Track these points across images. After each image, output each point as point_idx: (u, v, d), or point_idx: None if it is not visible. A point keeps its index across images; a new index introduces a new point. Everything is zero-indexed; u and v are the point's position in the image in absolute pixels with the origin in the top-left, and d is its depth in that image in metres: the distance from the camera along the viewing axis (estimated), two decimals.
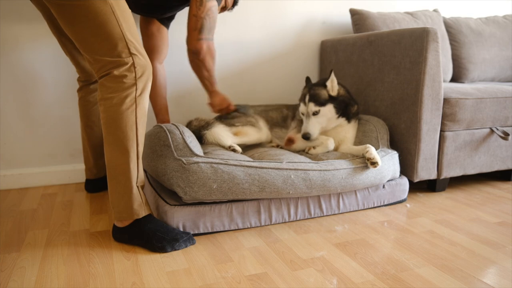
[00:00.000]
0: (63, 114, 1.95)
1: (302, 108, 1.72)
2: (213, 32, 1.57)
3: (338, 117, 1.71)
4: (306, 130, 1.67)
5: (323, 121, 1.69)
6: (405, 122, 1.74)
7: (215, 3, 1.54)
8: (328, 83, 1.71)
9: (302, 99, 1.73)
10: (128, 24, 1.20)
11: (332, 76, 1.69)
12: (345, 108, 1.71)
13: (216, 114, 1.99)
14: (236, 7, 1.83)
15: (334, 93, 1.71)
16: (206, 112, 2.15)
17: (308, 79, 1.86)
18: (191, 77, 2.13)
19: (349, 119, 1.74)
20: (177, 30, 2.02)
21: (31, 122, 1.91)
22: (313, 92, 1.70)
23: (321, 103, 1.67)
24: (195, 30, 1.53)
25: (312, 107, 1.67)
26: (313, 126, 1.68)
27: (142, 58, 1.23)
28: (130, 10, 1.24)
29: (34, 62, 1.87)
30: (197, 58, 1.58)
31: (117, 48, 1.18)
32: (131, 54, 1.20)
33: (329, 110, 1.69)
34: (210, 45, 1.58)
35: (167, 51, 1.84)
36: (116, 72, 1.19)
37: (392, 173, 1.64)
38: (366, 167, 1.54)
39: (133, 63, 1.21)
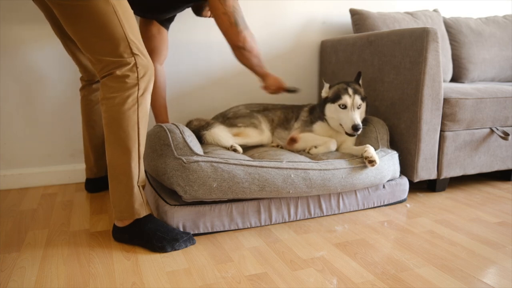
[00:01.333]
0: (63, 114, 1.95)
1: (346, 99, 1.63)
2: (245, 20, 1.55)
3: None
4: (356, 121, 1.59)
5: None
6: (405, 122, 1.74)
7: None
8: (360, 83, 1.72)
9: (343, 92, 1.65)
10: (130, 24, 1.20)
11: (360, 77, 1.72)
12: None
13: (216, 114, 1.99)
14: None
15: (363, 93, 1.72)
16: (205, 113, 2.16)
17: (325, 80, 1.84)
18: (190, 77, 2.13)
19: None
20: (177, 31, 2.02)
21: (31, 122, 1.91)
22: (353, 87, 1.67)
23: (362, 98, 1.67)
24: (232, 26, 1.51)
25: (358, 99, 1.64)
26: (359, 118, 1.64)
27: (144, 58, 1.23)
28: (132, 10, 1.24)
29: (34, 62, 1.87)
30: (245, 51, 1.56)
31: (119, 48, 1.18)
32: (133, 54, 1.20)
33: (364, 107, 1.69)
34: (250, 32, 1.56)
35: (167, 52, 1.84)
36: (118, 72, 1.19)
37: (392, 173, 1.64)
38: (366, 166, 1.54)
39: (135, 63, 1.21)
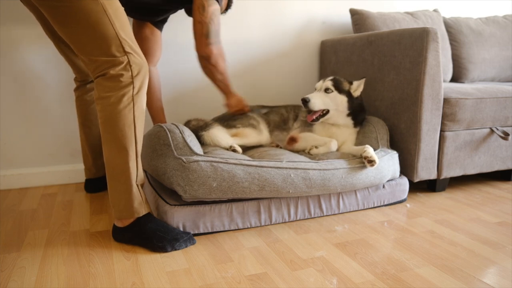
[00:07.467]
0: (63, 114, 1.95)
1: (318, 83, 1.74)
2: (220, 35, 1.58)
3: (348, 116, 1.72)
4: (308, 96, 1.66)
5: (330, 105, 1.68)
6: (405, 122, 1.74)
7: (217, 6, 1.55)
8: (355, 83, 1.73)
9: (322, 79, 1.76)
10: (121, 22, 1.19)
11: (363, 82, 1.72)
12: (358, 114, 1.74)
13: (214, 115, 1.99)
14: (229, 11, 1.82)
15: (355, 94, 1.72)
16: (203, 114, 2.15)
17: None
18: (186, 78, 2.13)
19: (356, 125, 1.76)
20: (171, 31, 2.02)
21: (31, 122, 1.91)
22: (337, 78, 1.73)
23: (338, 88, 1.69)
24: (203, 36, 1.53)
25: (328, 84, 1.69)
26: (317, 97, 1.68)
27: (137, 56, 1.23)
28: (123, 9, 1.22)
29: (34, 62, 1.87)
30: (209, 64, 1.58)
31: (111, 47, 1.17)
32: (125, 52, 1.19)
33: (341, 100, 1.69)
34: (220, 48, 1.59)
35: (160, 53, 1.84)
36: (112, 72, 1.19)
37: (392, 173, 1.64)
38: (366, 166, 1.54)
39: (129, 62, 1.20)
